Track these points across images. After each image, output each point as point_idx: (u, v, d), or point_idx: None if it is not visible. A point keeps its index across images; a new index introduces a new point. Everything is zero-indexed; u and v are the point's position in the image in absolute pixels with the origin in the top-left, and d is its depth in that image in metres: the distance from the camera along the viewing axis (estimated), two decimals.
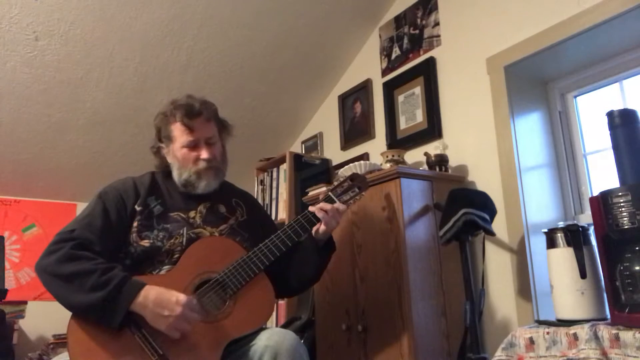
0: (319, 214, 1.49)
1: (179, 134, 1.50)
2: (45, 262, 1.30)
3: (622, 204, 1.21)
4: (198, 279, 1.38)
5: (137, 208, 1.45)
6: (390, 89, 2.54)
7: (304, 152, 3.15)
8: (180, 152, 1.50)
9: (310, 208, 1.52)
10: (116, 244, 1.41)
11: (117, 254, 1.41)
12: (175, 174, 1.53)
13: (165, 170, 1.58)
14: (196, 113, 1.49)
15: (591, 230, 1.41)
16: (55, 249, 1.31)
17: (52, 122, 2.62)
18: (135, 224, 1.43)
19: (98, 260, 1.30)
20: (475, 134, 2.09)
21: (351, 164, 1.97)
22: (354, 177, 1.61)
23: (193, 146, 1.49)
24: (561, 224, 1.44)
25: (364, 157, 2.65)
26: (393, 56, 2.58)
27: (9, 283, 2.94)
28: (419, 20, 2.45)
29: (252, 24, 2.48)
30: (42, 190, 3.09)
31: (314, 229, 1.52)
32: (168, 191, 1.54)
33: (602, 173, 1.91)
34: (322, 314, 2.10)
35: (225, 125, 1.62)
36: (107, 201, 1.44)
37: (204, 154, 1.49)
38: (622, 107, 1.34)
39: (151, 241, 1.41)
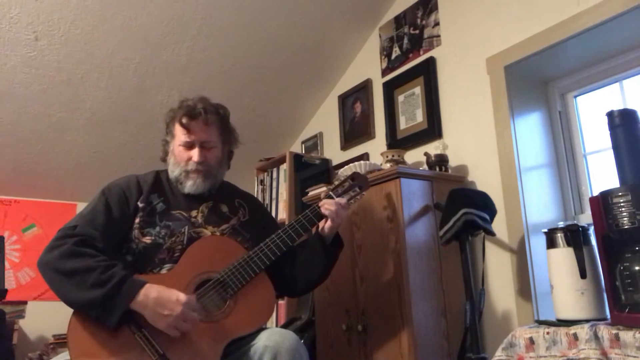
0: (325, 211, 1.49)
1: (178, 132, 1.54)
2: (48, 257, 1.31)
3: (622, 204, 1.21)
4: (199, 278, 1.38)
5: (140, 204, 1.47)
6: (390, 89, 2.54)
7: (304, 152, 3.15)
8: (177, 150, 1.54)
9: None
10: (118, 240, 1.42)
11: (119, 249, 1.42)
12: (169, 169, 1.57)
13: (164, 162, 1.61)
14: (195, 115, 1.51)
15: (591, 230, 1.41)
16: (57, 244, 1.32)
17: (52, 122, 2.62)
18: (137, 220, 1.44)
19: (100, 257, 1.31)
20: (475, 134, 2.09)
21: (351, 164, 1.97)
22: (354, 177, 1.61)
23: (188, 147, 1.52)
24: (561, 224, 1.44)
25: (364, 157, 2.65)
26: (393, 56, 2.58)
27: (9, 283, 2.94)
28: (419, 20, 2.45)
29: (252, 24, 2.48)
30: (42, 190, 3.09)
31: (320, 226, 1.53)
32: (171, 190, 1.55)
33: (602, 173, 1.92)
34: (322, 314, 2.10)
35: (231, 133, 1.63)
36: (110, 197, 1.45)
37: (195, 156, 1.51)
38: (622, 107, 1.34)
39: (153, 238, 1.42)
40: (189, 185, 1.52)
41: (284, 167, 2.81)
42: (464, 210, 1.65)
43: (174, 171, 1.54)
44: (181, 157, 1.53)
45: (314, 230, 1.58)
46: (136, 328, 1.27)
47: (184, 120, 1.51)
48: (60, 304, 1.29)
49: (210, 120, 1.54)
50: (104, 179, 1.71)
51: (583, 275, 1.36)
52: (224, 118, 1.59)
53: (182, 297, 1.27)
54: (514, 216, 1.87)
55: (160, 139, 1.65)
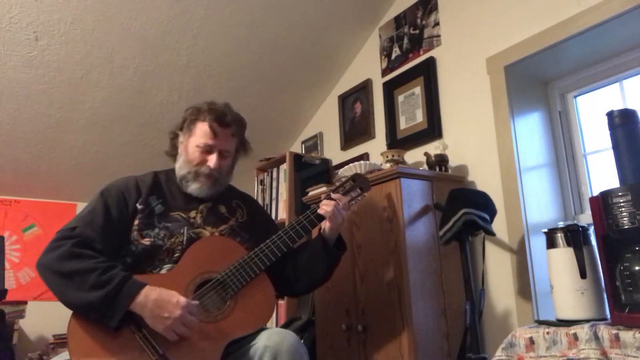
0: (321, 211, 1.49)
1: (201, 133, 1.52)
2: (47, 259, 1.30)
3: (622, 204, 1.21)
4: (199, 278, 1.38)
5: (139, 206, 1.46)
6: (390, 89, 2.54)
7: (304, 152, 3.15)
8: (192, 149, 1.53)
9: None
10: (117, 242, 1.42)
11: (118, 251, 1.42)
12: (177, 165, 1.56)
13: (172, 157, 1.62)
14: (226, 124, 1.53)
15: (591, 230, 1.41)
16: (56, 246, 1.31)
17: (52, 122, 2.62)
18: (136, 222, 1.44)
19: (99, 258, 1.31)
20: (475, 134, 2.09)
21: (351, 164, 1.97)
22: (356, 178, 1.61)
23: (207, 150, 1.52)
24: (561, 224, 1.45)
25: (364, 157, 2.65)
26: (393, 56, 2.58)
27: (9, 283, 2.94)
28: (419, 20, 2.45)
29: (252, 24, 2.48)
30: (42, 190, 3.09)
31: (322, 227, 1.53)
32: (170, 191, 1.55)
33: (602, 173, 1.92)
34: (322, 314, 2.10)
35: (245, 146, 1.65)
36: (108, 199, 1.45)
37: (212, 162, 1.51)
38: (622, 107, 1.34)
39: (152, 239, 1.42)
40: (195, 188, 1.51)
41: (284, 167, 2.81)
42: (464, 210, 1.65)
43: (182, 169, 1.53)
44: (195, 157, 1.52)
45: (315, 231, 1.59)
46: (136, 328, 1.27)
47: (215, 125, 1.51)
48: (60, 304, 1.29)
49: (235, 132, 1.56)
50: (104, 179, 1.71)
51: (583, 275, 1.36)
52: (244, 130, 1.62)
53: (182, 300, 1.27)
54: (514, 216, 1.87)
55: (161, 138, 1.64)
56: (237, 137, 1.58)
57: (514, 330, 1.39)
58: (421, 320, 1.71)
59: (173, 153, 1.61)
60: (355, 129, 2.79)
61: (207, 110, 1.53)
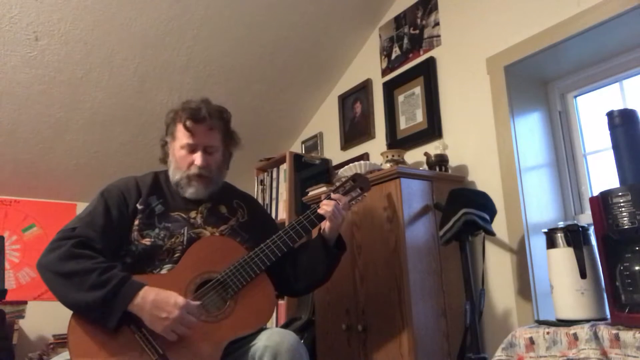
0: (321, 211, 1.49)
1: (181, 135, 1.52)
2: (46, 259, 1.31)
3: (622, 204, 1.21)
4: (199, 278, 1.38)
5: (139, 207, 1.46)
6: (390, 89, 2.54)
7: (304, 152, 3.15)
8: (178, 153, 1.53)
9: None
10: (117, 242, 1.42)
11: (119, 252, 1.42)
12: (170, 172, 1.56)
13: (165, 163, 1.60)
14: (199, 119, 1.49)
15: (591, 230, 1.41)
16: (56, 246, 1.32)
17: (52, 122, 2.62)
18: (136, 222, 1.44)
19: (99, 259, 1.31)
20: (475, 134, 2.09)
21: (351, 164, 1.97)
22: (356, 178, 1.61)
23: (190, 150, 1.51)
24: (561, 224, 1.45)
25: (364, 157, 2.65)
26: (393, 56, 2.58)
27: (9, 283, 2.94)
28: (419, 20, 2.45)
29: (252, 24, 2.48)
30: (42, 190, 3.09)
31: (321, 227, 1.53)
32: (169, 191, 1.55)
33: (602, 173, 1.92)
34: (322, 314, 2.10)
35: (233, 138, 1.62)
36: (109, 199, 1.45)
37: (198, 160, 1.50)
38: (622, 107, 1.34)
39: (152, 240, 1.42)
40: (190, 192, 1.51)
41: (284, 167, 2.81)
42: (464, 210, 1.65)
43: (175, 175, 1.53)
44: (183, 161, 1.51)
45: (315, 231, 1.59)
46: (136, 328, 1.27)
47: (188, 124, 1.49)
48: (60, 304, 1.29)
49: (214, 125, 1.53)
50: (104, 179, 1.71)
51: (583, 275, 1.36)
52: (226, 122, 1.59)
53: (180, 300, 1.27)
54: (514, 216, 1.87)
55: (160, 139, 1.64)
56: (217, 130, 1.54)
57: (514, 330, 1.39)
58: (421, 320, 1.71)
59: (166, 160, 1.60)
60: (355, 129, 2.79)
61: (181, 110, 1.52)
